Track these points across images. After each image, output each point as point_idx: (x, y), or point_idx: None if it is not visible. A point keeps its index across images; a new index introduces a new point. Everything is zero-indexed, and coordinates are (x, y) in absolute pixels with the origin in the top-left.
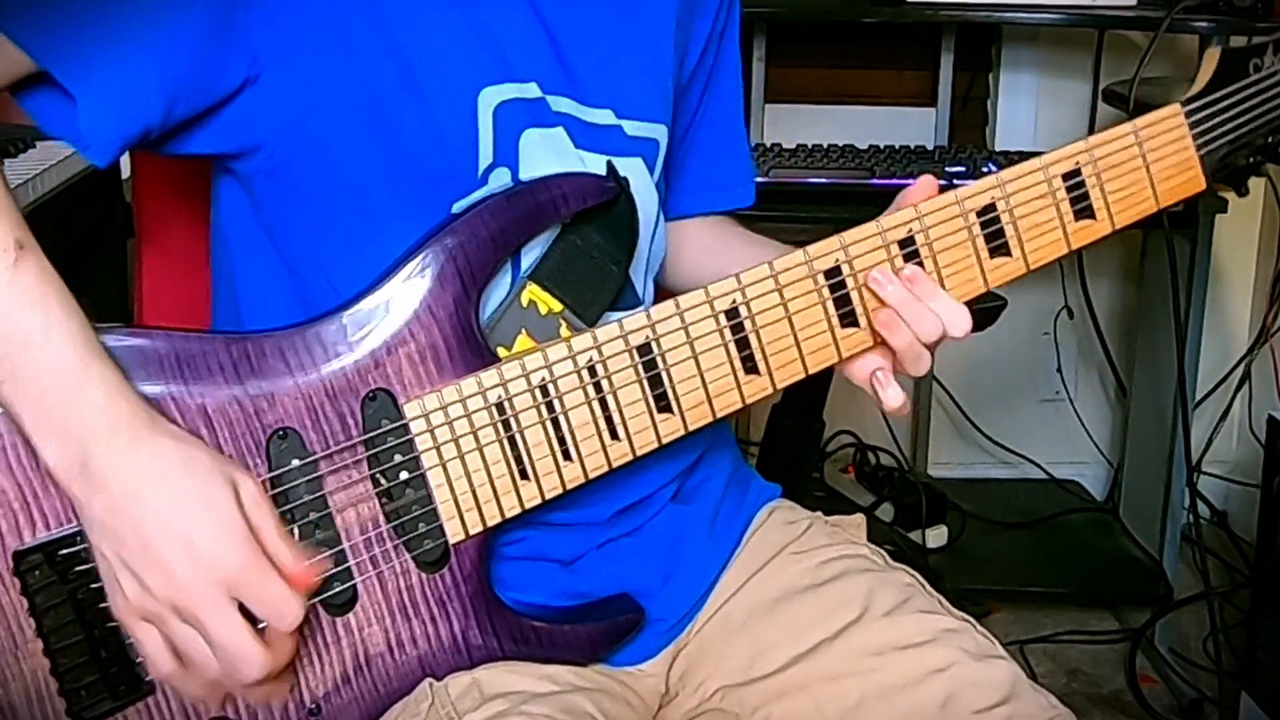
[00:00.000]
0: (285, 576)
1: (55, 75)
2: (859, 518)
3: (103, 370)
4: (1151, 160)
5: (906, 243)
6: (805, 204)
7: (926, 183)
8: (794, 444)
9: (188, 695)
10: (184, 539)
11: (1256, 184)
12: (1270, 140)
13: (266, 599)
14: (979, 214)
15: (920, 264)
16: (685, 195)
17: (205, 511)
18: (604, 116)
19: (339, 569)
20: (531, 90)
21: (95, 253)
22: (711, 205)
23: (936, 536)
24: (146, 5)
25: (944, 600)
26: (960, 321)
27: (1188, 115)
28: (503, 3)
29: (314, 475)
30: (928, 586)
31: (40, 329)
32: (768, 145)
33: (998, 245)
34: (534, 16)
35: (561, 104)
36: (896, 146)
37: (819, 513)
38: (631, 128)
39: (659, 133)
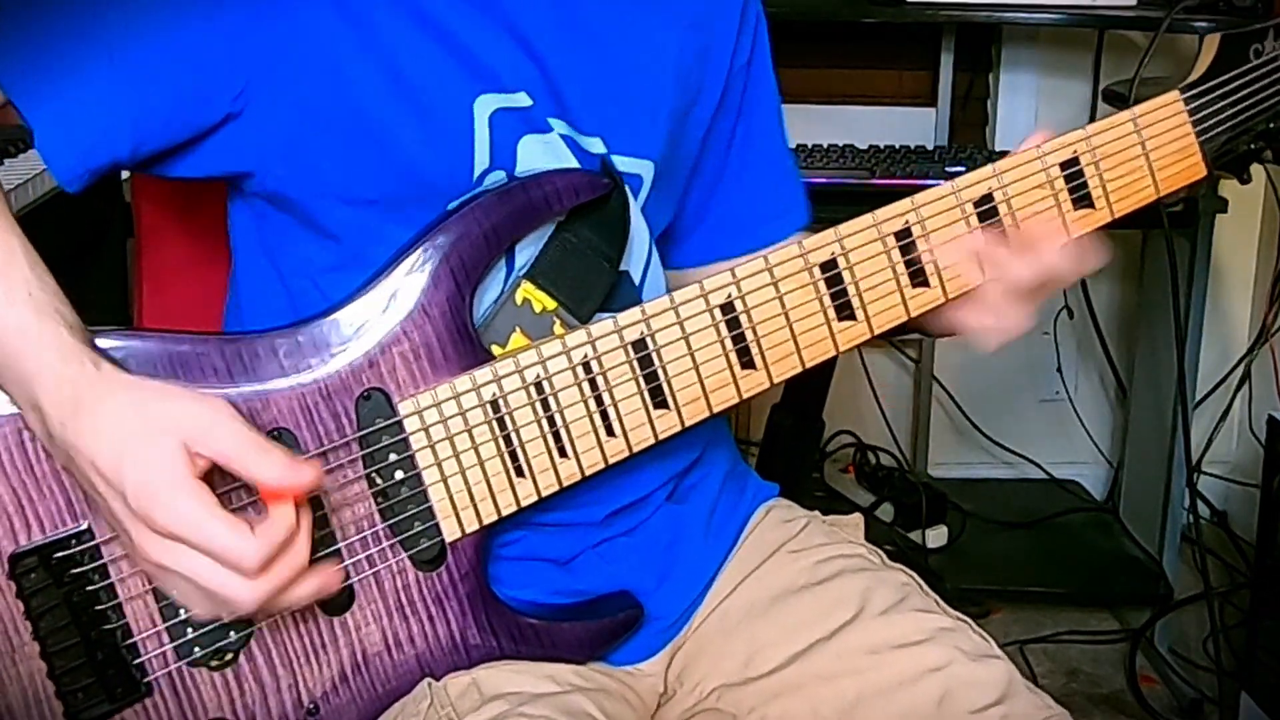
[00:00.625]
0: (270, 488)
1: (14, 101)
2: (856, 517)
3: (56, 329)
4: (1151, 148)
5: (903, 234)
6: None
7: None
8: (794, 444)
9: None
10: (118, 495)
11: (1257, 182)
12: (1271, 126)
13: (213, 543)
14: (975, 204)
15: (917, 255)
16: (746, 230)
17: (130, 462)
18: (595, 145)
19: (340, 570)
20: (522, 99)
21: (95, 253)
22: (774, 236)
23: (936, 536)
24: (119, 39)
25: (940, 600)
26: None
27: (1187, 102)
28: (489, 32)
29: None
30: (924, 586)
31: (4, 295)
32: None
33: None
34: (520, 49)
35: (555, 124)
36: (896, 146)
37: (816, 512)
38: (620, 162)
39: (644, 169)
